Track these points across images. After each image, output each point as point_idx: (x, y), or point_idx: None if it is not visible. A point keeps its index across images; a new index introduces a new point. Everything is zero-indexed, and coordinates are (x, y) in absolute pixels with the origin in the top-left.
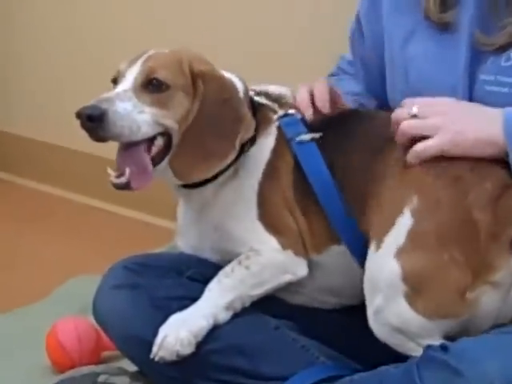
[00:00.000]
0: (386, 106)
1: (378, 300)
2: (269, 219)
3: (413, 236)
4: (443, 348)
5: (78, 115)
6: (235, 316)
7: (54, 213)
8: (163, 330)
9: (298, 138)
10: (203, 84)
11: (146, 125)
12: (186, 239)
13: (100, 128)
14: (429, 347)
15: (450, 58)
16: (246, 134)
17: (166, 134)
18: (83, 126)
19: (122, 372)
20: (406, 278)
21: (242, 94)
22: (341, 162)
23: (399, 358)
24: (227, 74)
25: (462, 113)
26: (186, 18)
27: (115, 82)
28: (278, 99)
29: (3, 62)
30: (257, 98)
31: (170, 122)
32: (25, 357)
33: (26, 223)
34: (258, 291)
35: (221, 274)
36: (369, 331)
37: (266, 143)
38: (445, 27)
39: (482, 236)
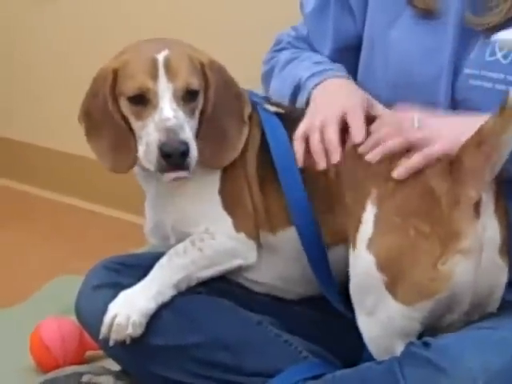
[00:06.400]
0: None
1: (370, 301)
2: (228, 195)
3: (378, 222)
4: (425, 344)
5: (169, 154)
6: (218, 311)
7: (38, 213)
8: (113, 309)
9: (264, 105)
10: (212, 73)
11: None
12: (151, 227)
13: (186, 160)
14: (411, 343)
15: (434, 47)
16: (248, 107)
17: None
18: (173, 162)
19: (106, 371)
20: (382, 266)
21: None
22: None
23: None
24: None
25: (454, 120)
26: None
27: (140, 99)
28: None
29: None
30: None
31: (196, 123)
32: (9, 357)
33: (9, 223)
34: (207, 273)
35: (172, 252)
36: (343, 326)
37: None
38: (430, 14)
39: (443, 203)
